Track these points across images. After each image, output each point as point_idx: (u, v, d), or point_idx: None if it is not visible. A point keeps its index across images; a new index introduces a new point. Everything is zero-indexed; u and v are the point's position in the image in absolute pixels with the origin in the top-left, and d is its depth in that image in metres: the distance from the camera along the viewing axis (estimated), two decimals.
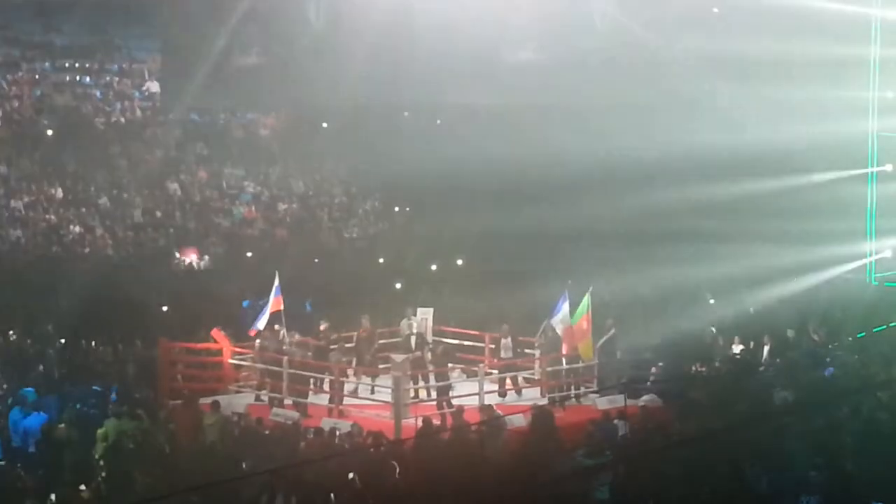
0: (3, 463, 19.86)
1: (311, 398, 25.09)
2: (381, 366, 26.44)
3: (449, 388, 25.13)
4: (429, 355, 25.68)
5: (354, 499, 17.66)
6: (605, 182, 35.98)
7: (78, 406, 22.19)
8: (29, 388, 22.35)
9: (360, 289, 32.39)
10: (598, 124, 36.99)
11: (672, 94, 37.18)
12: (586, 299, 24.96)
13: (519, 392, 25.66)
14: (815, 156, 34.51)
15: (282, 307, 26.17)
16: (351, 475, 18.15)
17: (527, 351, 26.40)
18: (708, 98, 37.14)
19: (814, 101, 34.07)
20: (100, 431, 20.48)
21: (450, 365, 26.13)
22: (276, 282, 26.27)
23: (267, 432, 21.32)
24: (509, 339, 26.45)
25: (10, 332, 27.43)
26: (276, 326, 26.17)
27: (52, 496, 17.25)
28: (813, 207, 33.98)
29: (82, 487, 17.80)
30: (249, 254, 36.43)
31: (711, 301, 33.18)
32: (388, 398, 23.93)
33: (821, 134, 33.39)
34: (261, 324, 25.97)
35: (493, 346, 26.82)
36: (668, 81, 37.28)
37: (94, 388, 23.83)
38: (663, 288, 33.12)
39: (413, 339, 26.51)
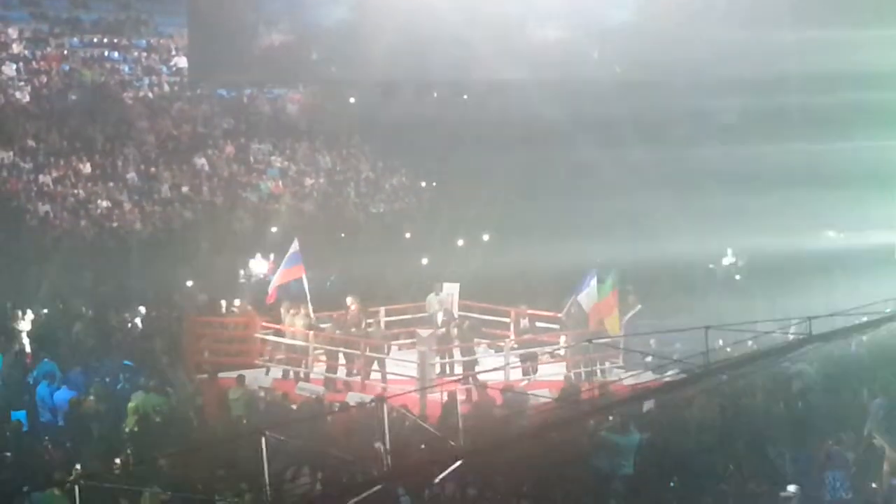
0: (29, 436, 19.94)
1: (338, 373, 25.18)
2: (406, 340, 26.49)
3: (474, 362, 25.14)
4: (454, 330, 25.64)
5: (379, 471, 17.72)
6: (632, 156, 35.89)
7: (107, 380, 22.26)
8: (51, 363, 22.41)
9: (386, 264, 32.42)
10: (624, 99, 36.86)
11: (700, 63, 36.99)
12: (613, 275, 24.93)
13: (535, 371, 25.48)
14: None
15: (302, 275, 25.95)
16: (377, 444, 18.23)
17: (551, 326, 26.34)
18: (739, 67, 36.87)
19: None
20: (130, 405, 20.61)
21: (475, 340, 26.11)
22: (296, 247, 26.13)
23: (293, 406, 21.38)
24: (527, 320, 26.40)
25: (38, 307, 27.55)
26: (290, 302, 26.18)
27: (78, 466, 17.31)
28: (850, 176, 33.83)
29: (117, 461, 17.90)
30: (274, 229, 36.54)
31: (737, 277, 33.09)
32: (414, 373, 23.95)
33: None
34: (273, 288, 25.97)
35: (517, 322, 26.77)
36: (698, 53, 37.09)
37: (125, 362, 23.87)
38: (685, 262, 33.11)
39: (440, 314, 26.46)
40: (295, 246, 26.04)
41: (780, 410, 20.23)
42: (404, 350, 26.27)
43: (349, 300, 26.10)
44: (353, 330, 25.30)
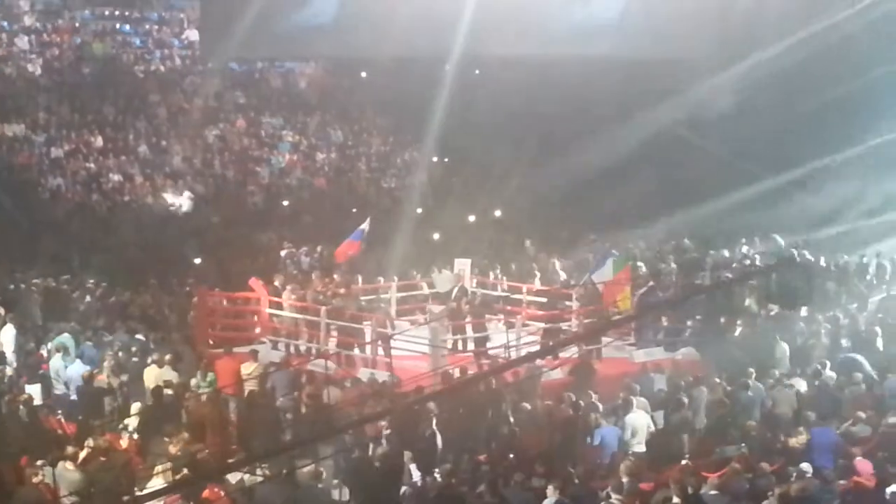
0: (44, 409, 19.99)
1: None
2: (419, 316, 26.49)
3: (486, 339, 25.11)
4: (466, 306, 25.59)
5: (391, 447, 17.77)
6: (643, 134, 35.73)
7: (120, 354, 22.30)
8: (67, 335, 22.46)
9: (396, 239, 32.40)
10: (635, 77, 36.71)
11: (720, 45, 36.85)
12: (626, 252, 24.92)
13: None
14: None
15: (356, 252, 26.37)
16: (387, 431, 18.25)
17: (565, 303, 26.31)
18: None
19: None
20: (146, 379, 20.71)
21: (487, 316, 26.07)
22: (366, 225, 26.46)
23: (306, 382, 21.35)
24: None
25: (50, 280, 27.59)
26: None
27: (90, 441, 17.35)
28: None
29: (128, 432, 17.96)
30: (286, 202, 36.55)
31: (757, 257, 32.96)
32: (426, 349, 23.89)
33: None
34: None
35: (531, 298, 26.76)
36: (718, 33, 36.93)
37: (137, 336, 23.90)
38: (703, 240, 33.04)
39: (455, 290, 26.40)
40: (367, 224, 26.55)
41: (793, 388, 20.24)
42: (417, 326, 26.17)
43: (314, 275, 26.41)
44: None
